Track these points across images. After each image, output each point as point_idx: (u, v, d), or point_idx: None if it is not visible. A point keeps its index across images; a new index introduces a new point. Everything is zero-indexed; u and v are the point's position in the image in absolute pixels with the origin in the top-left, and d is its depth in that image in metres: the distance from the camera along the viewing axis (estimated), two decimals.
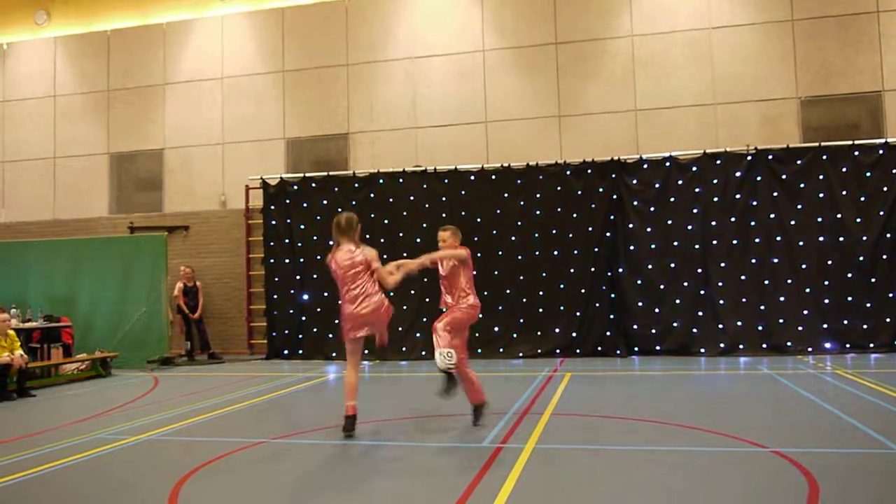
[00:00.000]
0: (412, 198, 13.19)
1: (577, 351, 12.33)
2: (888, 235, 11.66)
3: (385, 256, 13.19)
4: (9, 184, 16.34)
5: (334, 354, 13.09)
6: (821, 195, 11.90)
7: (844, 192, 11.82)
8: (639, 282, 12.32)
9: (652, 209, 12.39)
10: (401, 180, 13.35)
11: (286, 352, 13.51)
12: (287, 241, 13.74)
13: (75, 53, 16.19)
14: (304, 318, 13.39)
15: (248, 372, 11.80)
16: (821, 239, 11.83)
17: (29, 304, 12.78)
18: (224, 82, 15.24)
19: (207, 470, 5.43)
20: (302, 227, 13.66)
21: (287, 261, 13.67)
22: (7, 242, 14.81)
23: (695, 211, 12.25)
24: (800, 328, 11.73)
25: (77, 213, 15.81)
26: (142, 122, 15.67)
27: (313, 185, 13.74)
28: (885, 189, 11.73)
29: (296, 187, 13.81)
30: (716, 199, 12.20)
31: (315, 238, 13.47)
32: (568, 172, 12.73)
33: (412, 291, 12.31)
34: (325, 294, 13.26)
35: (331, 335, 13.18)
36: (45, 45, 16.38)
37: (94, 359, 11.93)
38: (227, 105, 15.18)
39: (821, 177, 11.92)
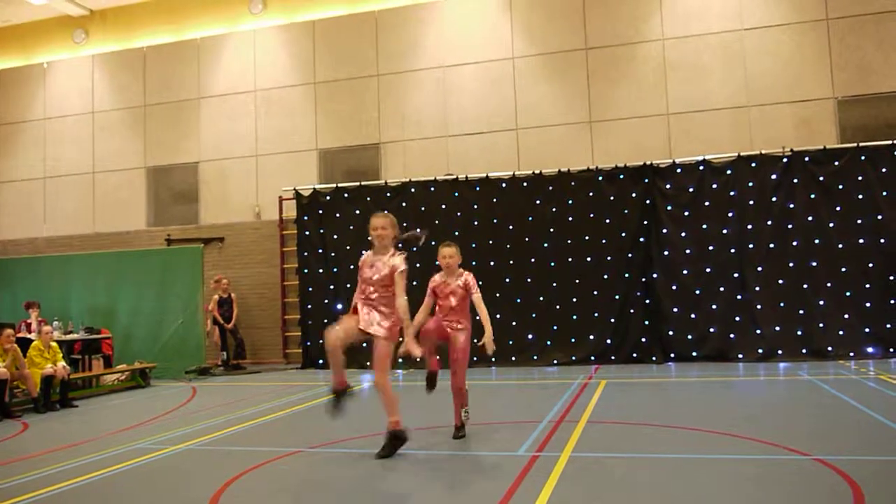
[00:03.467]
0: (444, 206, 13.23)
1: (613, 358, 12.23)
2: None
3: (418, 265, 13.29)
4: (50, 199, 16.73)
5: (368, 363, 13.13)
6: (860, 196, 11.66)
7: (885, 193, 11.58)
8: (674, 287, 12.18)
9: (686, 213, 12.26)
10: (432, 189, 13.41)
11: (321, 361, 13.60)
12: (321, 250, 13.87)
13: (112, 70, 16.55)
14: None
15: (284, 381, 11.90)
16: (861, 241, 11.59)
17: (70, 316, 13.07)
18: (257, 95, 15.45)
19: (246, 479, 5.49)
20: (335, 237, 13.77)
21: (321, 271, 13.80)
22: (50, 256, 15.18)
23: (730, 215, 12.09)
24: (841, 332, 11.49)
25: (116, 227, 16.13)
26: (177, 136, 15.95)
27: (346, 195, 13.85)
28: None
29: (328, 198, 13.94)
30: (751, 202, 12.03)
31: (348, 248, 13.57)
32: (600, 178, 12.67)
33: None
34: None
35: (365, 344, 13.19)
36: (84, 62, 16.77)
37: (134, 369, 12.14)
38: (261, 117, 15.39)
39: (860, 178, 11.69)
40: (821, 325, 11.58)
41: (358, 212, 13.67)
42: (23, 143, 17.04)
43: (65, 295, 13.86)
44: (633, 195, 12.46)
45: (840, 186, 11.74)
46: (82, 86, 16.71)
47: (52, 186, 16.74)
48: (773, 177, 11.97)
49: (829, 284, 11.63)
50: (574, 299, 12.54)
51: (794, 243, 11.83)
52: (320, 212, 13.95)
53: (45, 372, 9.71)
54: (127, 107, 16.37)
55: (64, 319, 12.61)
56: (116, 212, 16.20)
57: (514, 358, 12.59)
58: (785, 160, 11.98)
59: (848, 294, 11.55)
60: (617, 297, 12.37)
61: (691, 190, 12.28)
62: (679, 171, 12.39)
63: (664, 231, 12.32)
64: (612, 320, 12.34)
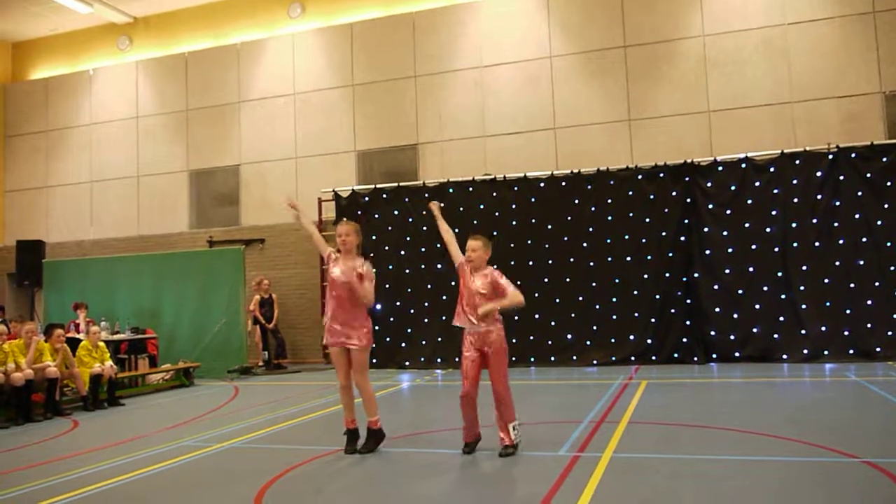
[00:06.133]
0: (482, 206, 13.22)
1: (653, 358, 12.10)
2: None
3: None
4: (97, 202, 17.14)
5: (407, 363, 13.22)
6: None
7: None
8: (716, 287, 12.00)
9: (728, 212, 12.07)
10: (470, 189, 13.40)
11: (368, 364, 13.67)
12: None
13: (155, 76, 16.88)
14: (377, 328, 13.48)
15: (324, 381, 12.00)
16: None
17: (117, 317, 13.36)
18: (296, 98, 15.63)
19: (289, 477, 5.56)
20: (374, 237, 13.84)
21: None
22: (96, 259, 15.55)
23: (773, 213, 11.87)
24: (889, 333, 11.20)
25: (160, 229, 16.46)
26: (219, 140, 16.21)
27: (384, 196, 13.93)
28: None
29: (367, 199, 14.03)
30: (796, 200, 11.80)
31: (387, 248, 13.65)
32: (640, 177, 12.54)
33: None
34: (398, 304, 13.43)
35: (403, 344, 13.31)
36: (128, 69, 17.14)
37: (178, 369, 12.37)
38: (300, 120, 15.56)
39: None
40: (868, 325, 11.31)
41: (396, 212, 13.75)
42: (70, 148, 17.48)
43: (111, 296, 14.19)
44: (674, 194, 12.31)
45: (888, 183, 11.45)
46: (127, 91, 17.09)
47: (99, 190, 17.15)
48: (819, 174, 11.73)
49: (877, 283, 11.35)
50: (614, 299, 12.43)
51: (840, 241, 11.57)
52: (359, 213, 14.04)
53: (94, 371, 9.95)
54: (170, 111, 16.69)
55: (111, 320, 12.91)
56: (160, 214, 16.53)
57: (553, 358, 12.54)
58: (830, 157, 11.72)
59: None
60: (657, 296, 12.24)
61: (733, 188, 12.08)
62: (721, 168, 12.21)
63: (706, 230, 12.15)
64: (653, 320, 12.21)
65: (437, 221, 6.52)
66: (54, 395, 9.38)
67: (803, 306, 11.60)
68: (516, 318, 12.73)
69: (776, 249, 11.81)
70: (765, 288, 11.79)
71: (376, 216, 13.90)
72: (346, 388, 6.43)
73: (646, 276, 12.32)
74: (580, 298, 12.57)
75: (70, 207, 17.35)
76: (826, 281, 11.55)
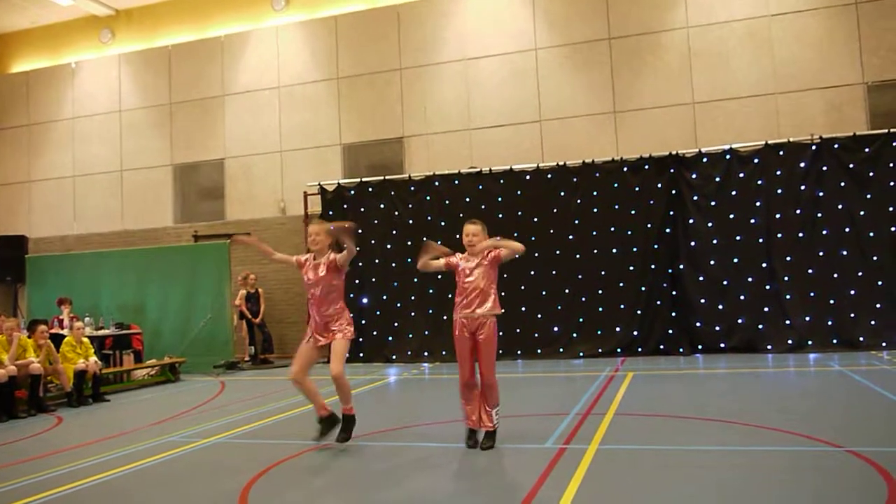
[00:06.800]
0: (468, 199, 13.20)
1: (639, 350, 12.15)
2: None
3: (441, 261, 13.31)
4: (80, 197, 16.98)
5: (394, 357, 13.21)
6: (891, 184, 11.44)
7: None
8: (701, 278, 12.06)
9: (713, 203, 12.12)
10: (456, 182, 13.38)
11: (346, 355, 13.63)
12: (345, 245, 13.88)
13: (138, 69, 16.73)
14: (363, 322, 13.52)
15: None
16: (892, 229, 11.38)
17: (101, 312, 13.27)
18: (281, 91, 15.54)
19: (275, 472, 5.55)
20: (360, 231, 13.78)
21: None
22: (80, 254, 15.42)
23: (758, 204, 11.93)
24: (872, 322, 11.30)
25: (144, 224, 16.33)
26: (203, 133, 16.09)
27: (370, 189, 13.88)
28: None
29: (353, 192, 13.98)
30: (779, 191, 11.86)
31: (373, 242, 13.61)
32: (625, 169, 12.56)
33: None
34: (384, 297, 13.41)
35: (390, 338, 13.30)
36: (110, 62, 16.97)
37: (164, 364, 12.31)
38: (285, 113, 15.47)
39: (891, 164, 11.47)
40: (852, 314, 11.40)
41: (382, 206, 13.71)
42: (52, 142, 17.30)
43: (95, 291, 14.08)
44: (659, 186, 12.35)
45: (871, 173, 11.53)
46: (109, 85, 16.92)
47: (82, 184, 16.99)
48: (802, 165, 11.79)
49: (860, 273, 11.44)
50: (600, 291, 12.47)
51: (824, 232, 11.65)
52: (345, 206, 13.99)
53: (78, 367, 9.87)
54: (153, 105, 16.55)
55: (95, 315, 12.81)
56: (144, 209, 16.41)
57: (539, 350, 12.56)
58: (814, 147, 11.79)
59: (880, 283, 11.35)
60: (643, 288, 12.28)
61: (718, 179, 12.13)
62: (705, 160, 12.25)
63: (690, 221, 12.19)
64: (639, 312, 12.26)
65: (430, 265, 6.56)
66: (38, 391, 9.30)
67: (788, 297, 11.68)
68: (503, 310, 12.75)
69: (760, 240, 11.87)
70: (749, 279, 11.85)
71: (362, 210, 13.85)
72: (299, 382, 6.44)
73: (631, 267, 12.36)
74: (566, 291, 12.60)
75: (53, 202, 17.18)
76: (810, 271, 11.63)
